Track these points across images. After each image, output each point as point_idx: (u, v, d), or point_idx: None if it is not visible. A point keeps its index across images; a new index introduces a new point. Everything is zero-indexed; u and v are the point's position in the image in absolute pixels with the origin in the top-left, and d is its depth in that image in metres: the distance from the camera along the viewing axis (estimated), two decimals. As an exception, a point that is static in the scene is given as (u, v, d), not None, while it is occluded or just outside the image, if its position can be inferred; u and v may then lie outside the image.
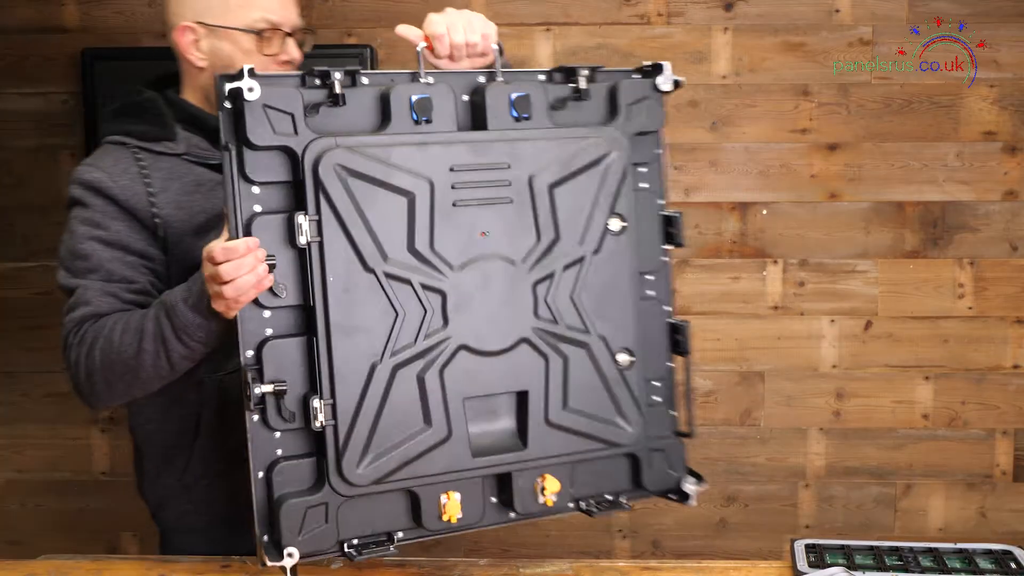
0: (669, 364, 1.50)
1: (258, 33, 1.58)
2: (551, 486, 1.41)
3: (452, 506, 1.38)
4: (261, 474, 1.34)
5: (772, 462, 2.73)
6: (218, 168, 1.52)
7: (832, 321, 2.69)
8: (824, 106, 2.65)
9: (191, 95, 1.66)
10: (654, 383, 1.49)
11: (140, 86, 1.68)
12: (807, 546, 1.53)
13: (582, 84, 1.43)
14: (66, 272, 1.55)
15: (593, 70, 1.45)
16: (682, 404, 1.52)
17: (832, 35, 2.63)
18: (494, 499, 1.42)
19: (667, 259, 1.49)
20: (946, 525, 2.72)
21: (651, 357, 1.48)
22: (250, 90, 1.29)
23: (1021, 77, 2.62)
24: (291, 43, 1.62)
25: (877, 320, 2.69)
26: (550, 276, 1.40)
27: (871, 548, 1.54)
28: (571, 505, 1.46)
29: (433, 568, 1.52)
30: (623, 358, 1.44)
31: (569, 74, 1.44)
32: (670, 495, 1.50)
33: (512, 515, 1.43)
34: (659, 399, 1.50)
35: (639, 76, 1.48)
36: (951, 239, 2.67)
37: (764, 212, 2.67)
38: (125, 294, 1.52)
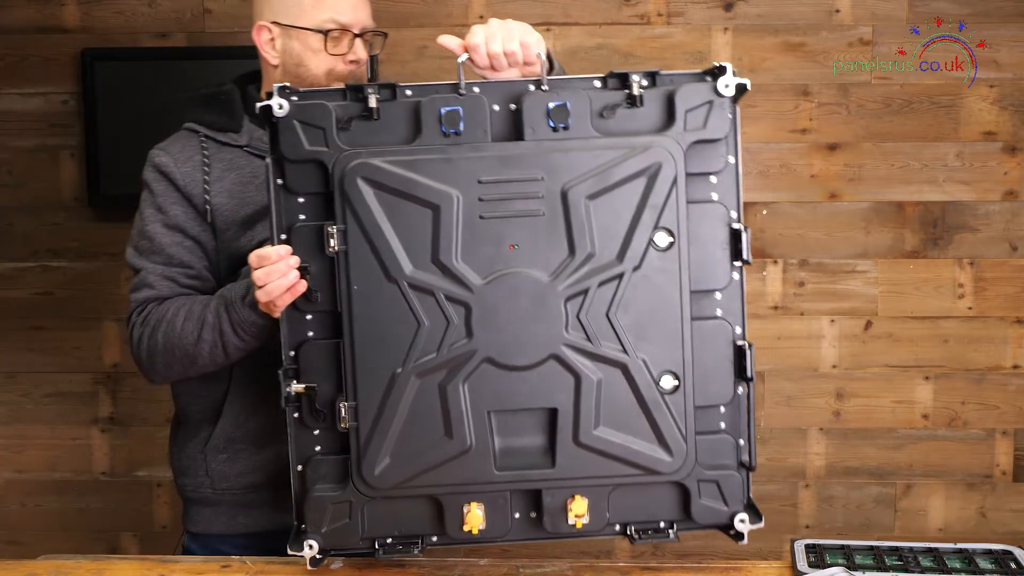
0: (738, 390, 1.42)
1: (325, 33, 1.65)
2: (577, 508, 1.39)
3: (473, 517, 1.39)
4: (300, 467, 1.42)
5: (772, 462, 2.72)
6: None
7: (832, 321, 2.69)
8: (824, 106, 2.65)
9: (266, 91, 1.72)
10: (719, 408, 1.42)
11: (226, 79, 1.77)
12: (807, 546, 1.53)
13: (635, 90, 1.38)
14: (134, 250, 1.68)
15: (652, 75, 1.40)
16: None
17: (832, 35, 2.63)
18: (533, 514, 1.42)
19: (738, 276, 1.41)
20: (946, 525, 2.72)
21: (713, 381, 1.40)
22: (280, 107, 1.37)
23: (1021, 77, 2.62)
24: (359, 44, 1.69)
25: (877, 320, 2.69)
26: (583, 292, 1.36)
27: (871, 548, 1.54)
28: (617, 528, 1.43)
29: (433, 568, 1.52)
30: (667, 381, 1.38)
31: (624, 80, 1.40)
32: (725, 530, 1.44)
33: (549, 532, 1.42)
34: (723, 425, 1.42)
35: (705, 79, 1.40)
36: (951, 239, 2.67)
37: (764, 212, 2.67)
38: (183, 279, 1.65)
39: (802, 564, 1.47)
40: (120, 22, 2.66)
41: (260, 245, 1.61)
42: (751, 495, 1.44)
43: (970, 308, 2.67)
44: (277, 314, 1.42)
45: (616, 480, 1.40)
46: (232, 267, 1.66)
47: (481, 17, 2.64)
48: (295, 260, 1.38)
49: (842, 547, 1.54)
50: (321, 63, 1.66)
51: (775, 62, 2.64)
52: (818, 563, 1.48)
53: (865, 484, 2.73)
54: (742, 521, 1.42)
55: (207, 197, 1.64)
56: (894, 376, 2.70)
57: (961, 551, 1.53)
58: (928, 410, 2.70)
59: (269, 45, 1.69)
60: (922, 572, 1.46)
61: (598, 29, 2.65)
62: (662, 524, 1.43)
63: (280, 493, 1.66)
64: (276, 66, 1.69)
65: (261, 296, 1.40)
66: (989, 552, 1.53)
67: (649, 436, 1.38)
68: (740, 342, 1.41)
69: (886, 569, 1.46)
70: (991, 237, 2.66)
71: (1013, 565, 1.48)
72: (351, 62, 1.67)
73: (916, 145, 2.65)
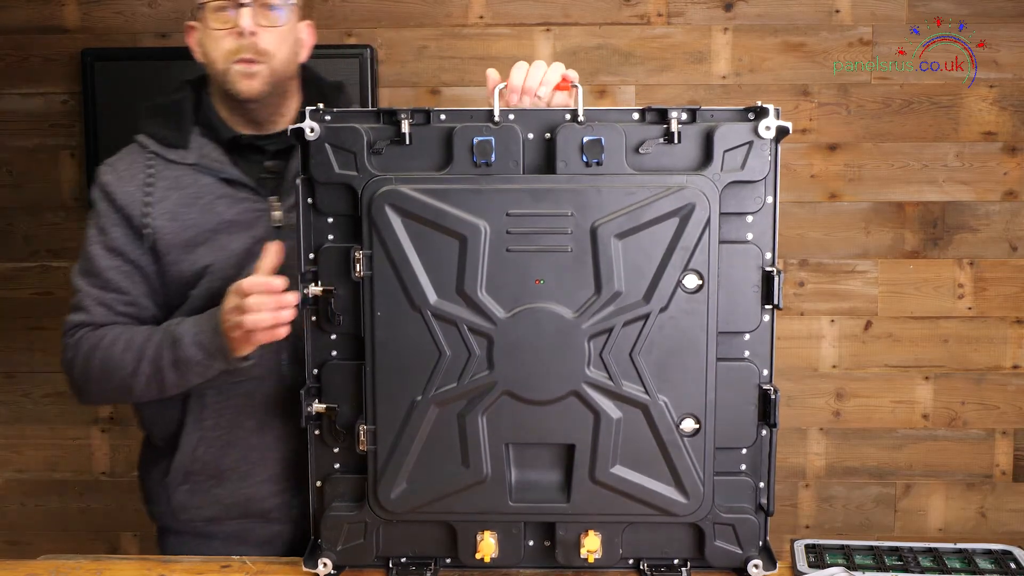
0: (761, 433, 1.41)
1: (201, 6, 1.55)
2: (590, 544, 1.39)
3: (486, 546, 1.40)
4: (319, 484, 1.44)
5: (772, 462, 2.73)
6: (229, 180, 1.57)
7: (832, 321, 2.69)
8: (824, 106, 2.65)
9: (214, 93, 1.65)
10: (740, 451, 1.41)
11: (184, 81, 1.69)
12: (807, 546, 1.53)
13: (673, 127, 1.35)
14: (77, 269, 1.62)
15: (692, 112, 1.37)
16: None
17: (832, 35, 2.63)
18: (547, 543, 1.43)
19: (768, 319, 1.39)
20: (946, 525, 2.72)
21: (736, 423, 1.39)
22: (311, 130, 1.36)
23: (1021, 77, 2.62)
24: (244, 13, 1.54)
25: (877, 320, 2.69)
26: (608, 331, 1.35)
27: (871, 548, 1.53)
28: (631, 562, 1.44)
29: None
30: (687, 424, 1.37)
31: (663, 115, 1.37)
32: (739, 573, 1.42)
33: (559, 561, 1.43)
34: (743, 468, 1.42)
35: (747, 117, 1.37)
36: (951, 239, 2.67)
37: (764, 212, 2.67)
38: (119, 306, 1.58)
39: (802, 564, 1.47)
40: (120, 22, 2.66)
41: (204, 270, 1.56)
42: (768, 539, 1.43)
43: (970, 308, 2.68)
44: (248, 349, 1.40)
45: (630, 518, 1.40)
46: (178, 291, 1.58)
47: (481, 17, 2.64)
48: (293, 298, 1.37)
49: (842, 547, 1.54)
50: (217, 45, 1.56)
51: (775, 62, 2.64)
52: (818, 563, 1.48)
53: (865, 484, 2.73)
54: (756, 566, 1.41)
55: (146, 220, 1.57)
56: (894, 376, 2.70)
57: (961, 551, 1.53)
58: (928, 410, 2.70)
59: (197, 44, 1.61)
60: (922, 572, 1.46)
61: (598, 29, 2.65)
62: (675, 561, 1.43)
63: (240, 526, 1.63)
64: (202, 63, 1.60)
65: (247, 322, 1.37)
66: (989, 552, 1.53)
67: (666, 477, 1.38)
68: (766, 386, 1.40)
69: (886, 569, 1.46)
70: (991, 237, 2.66)
71: (1013, 565, 1.48)
72: (238, 35, 1.54)
73: (916, 145, 2.65)
